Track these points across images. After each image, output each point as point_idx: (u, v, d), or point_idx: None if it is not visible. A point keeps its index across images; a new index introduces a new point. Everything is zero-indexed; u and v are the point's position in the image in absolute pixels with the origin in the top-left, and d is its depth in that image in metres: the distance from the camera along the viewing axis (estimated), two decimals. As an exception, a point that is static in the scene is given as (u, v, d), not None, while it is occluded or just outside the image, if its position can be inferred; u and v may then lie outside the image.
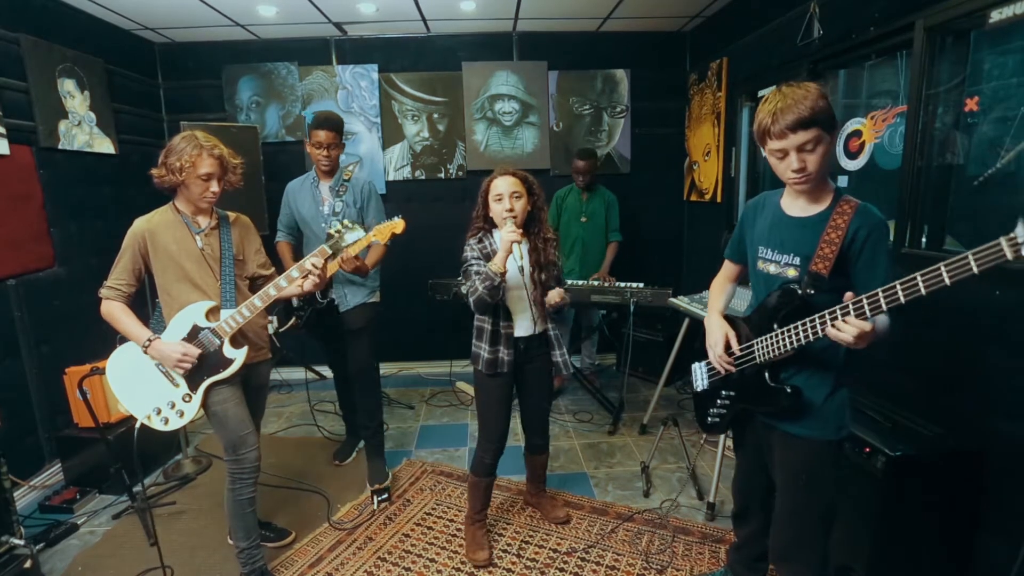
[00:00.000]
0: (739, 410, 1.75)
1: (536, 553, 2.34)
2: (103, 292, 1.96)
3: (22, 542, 2.14)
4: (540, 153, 4.44)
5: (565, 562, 2.28)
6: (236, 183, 2.05)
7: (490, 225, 2.22)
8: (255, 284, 2.18)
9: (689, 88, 4.33)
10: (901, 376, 2.23)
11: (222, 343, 1.98)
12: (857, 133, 2.55)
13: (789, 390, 1.54)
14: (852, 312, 1.31)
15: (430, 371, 4.59)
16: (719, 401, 1.80)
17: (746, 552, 1.95)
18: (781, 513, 1.67)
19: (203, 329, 1.97)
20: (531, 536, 2.45)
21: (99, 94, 3.43)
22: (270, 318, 2.55)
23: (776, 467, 1.67)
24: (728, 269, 1.89)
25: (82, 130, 3.29)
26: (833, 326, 1.35)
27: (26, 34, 2.92)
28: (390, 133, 4.38)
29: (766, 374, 1.60)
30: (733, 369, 1.70)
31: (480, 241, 2.20)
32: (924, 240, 2.22)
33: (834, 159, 2.62)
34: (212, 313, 1.99)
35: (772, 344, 1.55)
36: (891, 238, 2.25)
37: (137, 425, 1.99)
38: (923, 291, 1.18)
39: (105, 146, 3.49)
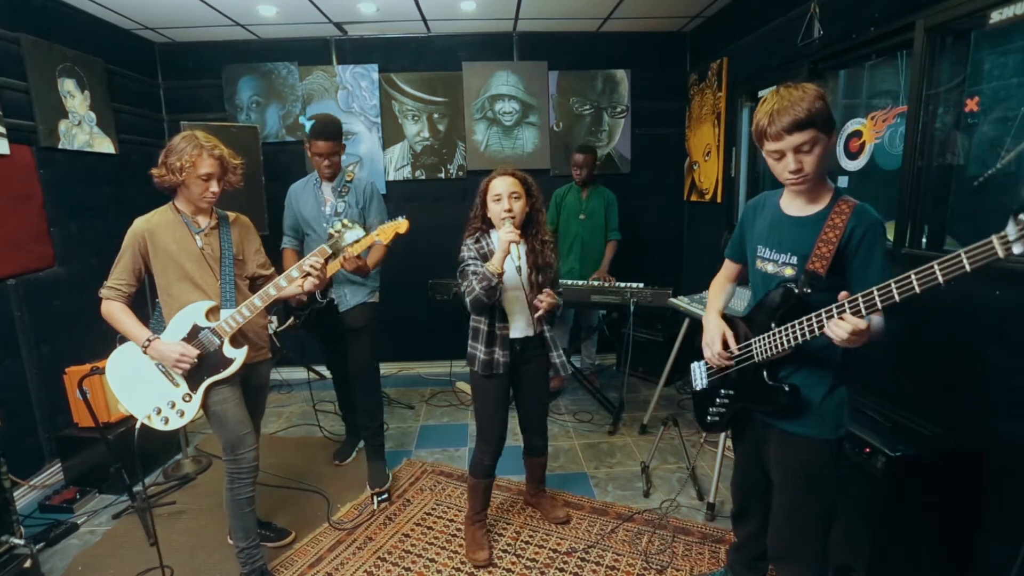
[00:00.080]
0: (738, 409, 1.75)
1: (536, 553, 2.34)
2: (103, 292, 1.96)
3: (22, 542, 2.14)
4: (540, 153, 4.44)
5: (565, 562, 2.28)
6: (236, 183, 2.05)
7: (488, 225, 2.22)
8: (255, 284, 2.18)
9: (689, 88, 4.33)
10: (901, 376, 2.23)
11: (222, 343, 1.98)
12: (857, 133, 2.55)
13: (787, 388, 1.55)
14: (848, 310, 1.31)
15: (430, 371, 4.59)
16: (718, 400, 1.80)
17: (746, 552, 1.95)
18: (779, 512, 1.67)
19: (203, 329, 1.97)
20: (531, 536, 2.45)
21: (99, 94, 3.43)
22: (270, 318, 2.55)
23: (774, 466, 1.67)
24: (728, 268, 1.89)
25: (82, 130, 3.29)
26: (829, 324, 1.35)
27: (26, 34, 2.92)
28: (390, 133, 4.38)
29: (764, 373, 1.60)
30: (729, 364, 1.71)
31: (477, 241, 2.20)
32: (924, 240, 2.22)
33: (834, 159, 2.62)
34: (212, 313, 1.99)
35: (770, 343, 1.56)
36: (891, 238, 2.26)
37: (137, 425, 1.98)
38: (917, 289, 1.19)
39: (105, 146, 3.49)
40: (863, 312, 1.29)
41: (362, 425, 2.93)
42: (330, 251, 2.03)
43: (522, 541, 2.42)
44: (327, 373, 3.72)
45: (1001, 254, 1.05)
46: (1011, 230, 1.03)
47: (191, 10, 3.51)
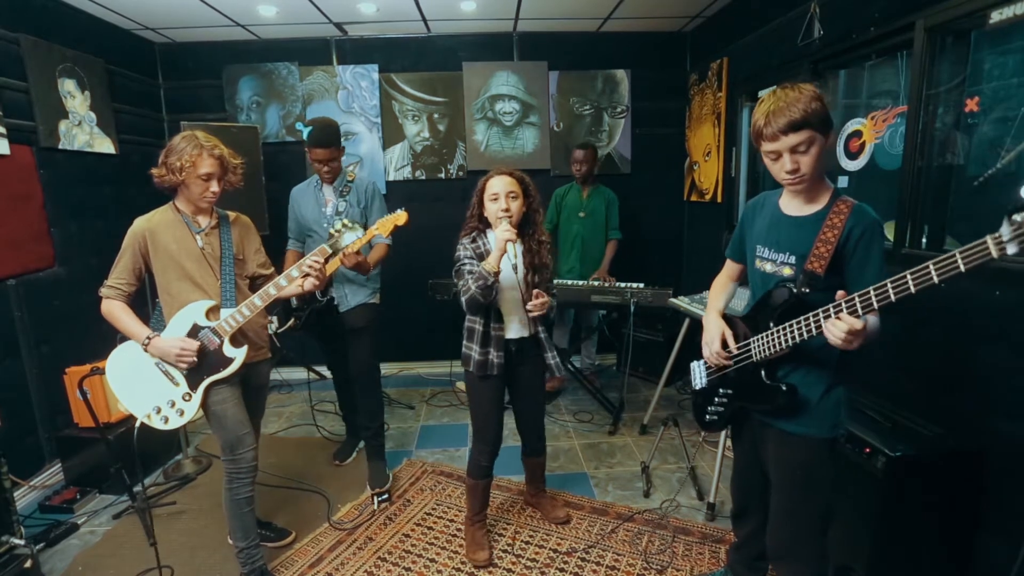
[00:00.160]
0: (736, 408, 1.75)
1: (536, 553, 2.34)
2: (103, 291, 1.97)
3: (22, 542, 2.14)
4: (540, 153, 4.44)
5: (565, 562, 2.28)
6: (236, 183, 2.06)
7: (484, 225, 2.21)
8: (255, 284, 2.18)
9: (689, 88, 4.33)
10: (901, 376, 2.23)
11: (222, 342, 1.98)
12: (857, 133, 2.54)
13: (785, 388, 1.55)
14: (844, 310, 1.32)
15: (430, 371, 4.59)
16: (717, 399, 1.80)
17: (746, 552, 1.95)
18: (777, 511, 1.68)
19: (203, 328, 1.97)
20: (531, 536, 2.45)
21: (99, 94, 3.43)
22: (270, 318, 2.55)
23: (772, 465, 1.68)
24: (729, 268, 1.90)
25: (82, 130, 3.29)
26: (824, 324, 1.36)
27: (26, 34, 2.92)
28: (390, 133, 4.38)
29: (762, 372, 1.60)
30: (727, 363, 1.71)
31: (474, 241, 2.19)
32: (924, 240, 2.22)
33: (834, 159, 2.62)
34: (212, 312, 2.00)
35: (768, 342, 1.56)
36: (891, 238, 2.26)
37: (137, 424, 1.98)
38: (913, 290, 1.20)
39: (105, 146, 3.49)
40: (859, 312, 1.29)
41: (363, 426, 2.93)
42: (330, 251, 2.03)
43: (522, 541, 2.42)
44: (327, 373, 3.72)
45: (995, 254, 1.06)
46: (1005, 231, 1.04)
47: (191, 10, 3.51)
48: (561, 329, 4.15)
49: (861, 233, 1.44)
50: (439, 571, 2.24)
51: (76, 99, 3.25)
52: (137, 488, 2.68)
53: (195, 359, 1.94)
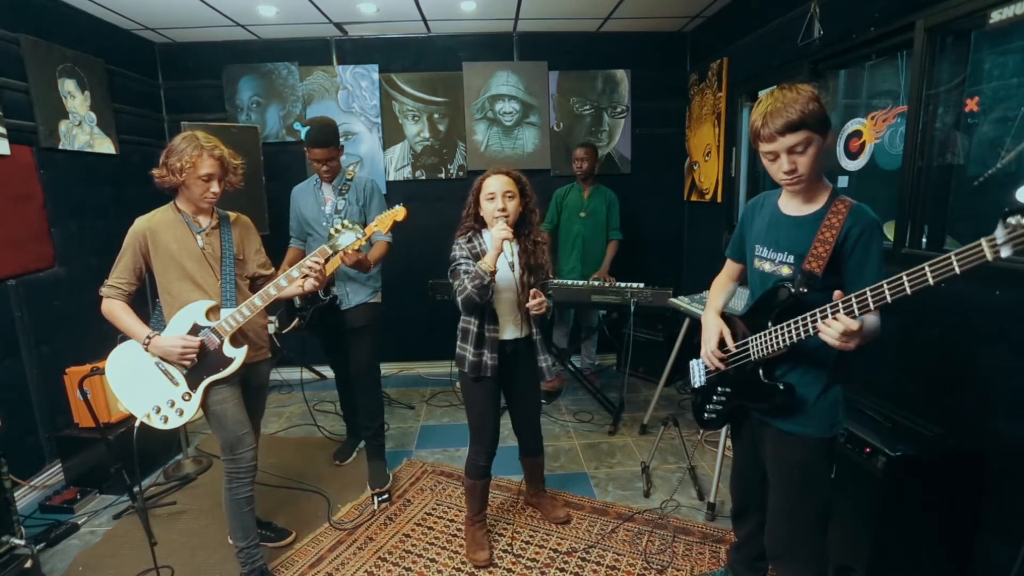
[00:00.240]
0: (735, 406, 1.76)
1: (536, 553, 2.34)
2: (104, 291, 1.97)
3: (22, 542, 2.14)
4: (540, 153, 4.44)
5: (565, 562, 2.28)
6: (237, 183, 2.06)
7: (480, 224, 2.20)
8: (255, 284, 2.18)
9: (689, 88, 4.33)
10: (901, 376, 2.23)
11: (222, 342, 1.98)
12: (857, 133, 2.54)
13: (783, 387, 1.55)
14: (841, 310, 1.32)
15: (430, 371, 4.59)
16: (715, 397, 1.81)
17: (746, 551, 1.95)
18: (775, 510, 1.68)
19: (203, 328, 1.97)
20: (531, 536, 2.45)
21: (99, 94, 3.43)
22: (271, 318, 2.55)
23: (770, 464, 1.68)
24: (729, 268, 1.90)
25: (83, 130, 3.29)
26: (820, 324, 1.36)
27: (26, 34, 2.92)
28: (391, 133, 4.38)
29: (760, 371, 1.61)
30: (723, 366, 1.72)
31: (469, 241, 2.17)
32: (924, 240, 2.22)
33: (833, 159, 2.62)
34: (212, 312, 2.00)
35: (766, 341, 1.56)
36: (891, 238, 2.26)
37: (136, 424, 1.99)
38: (908, 291, 1.20)
39: (105, 146, 3.49)
40: (856, 312, 1.30)
41: (363, 426, 2.93)
42: (330, 251, 2.03)
43: (522, 541, 2.42)
44: (328, 373, 3.73)
45: (990, 257, 1.07)
46: (999, 233, 1.05)
47: (191, 10, 3.51)
48: (561, 329, 4.15)
49: (859, 233, 1.44)
50: (439, 571, 2.25)
51: (76, 99, 3.25)
52: (137, 488, 2.67)
53: (196, 355, 1.94)
